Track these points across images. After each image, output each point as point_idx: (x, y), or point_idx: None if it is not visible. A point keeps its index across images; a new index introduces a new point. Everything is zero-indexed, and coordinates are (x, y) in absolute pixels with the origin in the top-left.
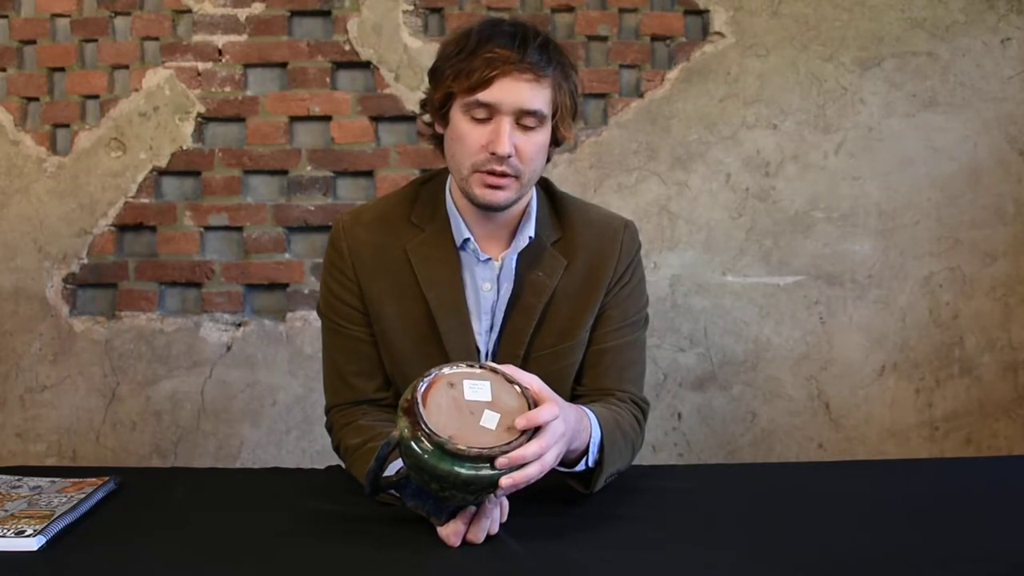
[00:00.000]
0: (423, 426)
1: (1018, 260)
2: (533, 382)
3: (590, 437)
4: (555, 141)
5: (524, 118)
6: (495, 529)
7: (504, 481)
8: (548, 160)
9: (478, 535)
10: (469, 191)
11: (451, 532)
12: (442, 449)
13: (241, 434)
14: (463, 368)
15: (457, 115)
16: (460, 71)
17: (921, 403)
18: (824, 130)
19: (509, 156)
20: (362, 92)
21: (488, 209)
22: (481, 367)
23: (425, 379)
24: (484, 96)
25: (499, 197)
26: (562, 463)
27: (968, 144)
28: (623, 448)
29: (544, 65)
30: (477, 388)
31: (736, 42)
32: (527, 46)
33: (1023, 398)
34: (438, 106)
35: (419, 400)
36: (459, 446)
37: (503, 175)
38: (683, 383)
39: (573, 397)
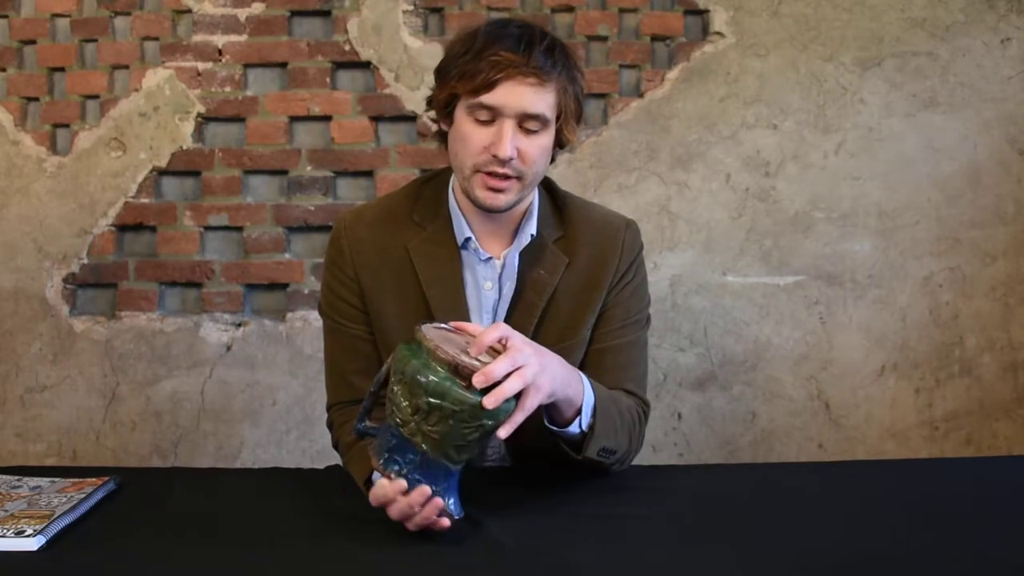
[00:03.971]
0: (422, 335)
1: (1018, 260)
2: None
3: (583, 397)
4: (559, 143)
5: (527, 121)
6: (429, 516)
7: (487, 401)
8: (552, 160)
9: (401, 511)
10: (471, 192)
11: (379, 494)
12: (431, 355)
13: (241, 434)
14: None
15: (461, 115)
16: (465, 72)
17: (921, 403)
18: (824, 130)
19: (511, 159)
20: (362, 92)
21: (489, 211)
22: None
23: (423, 325)
24: (487, 99)
25: (500, 200)
26: (555, 423)
27: (968, 144)
28: (618, 424)
29: (549, 69)
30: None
31: (736, 42)
32: (532, 50)
33: (1023, 398)
34: (443, 105)
35: (421, 329)
36: (445, 351)
37: (505, 177)
38: (683, 383)
39: None
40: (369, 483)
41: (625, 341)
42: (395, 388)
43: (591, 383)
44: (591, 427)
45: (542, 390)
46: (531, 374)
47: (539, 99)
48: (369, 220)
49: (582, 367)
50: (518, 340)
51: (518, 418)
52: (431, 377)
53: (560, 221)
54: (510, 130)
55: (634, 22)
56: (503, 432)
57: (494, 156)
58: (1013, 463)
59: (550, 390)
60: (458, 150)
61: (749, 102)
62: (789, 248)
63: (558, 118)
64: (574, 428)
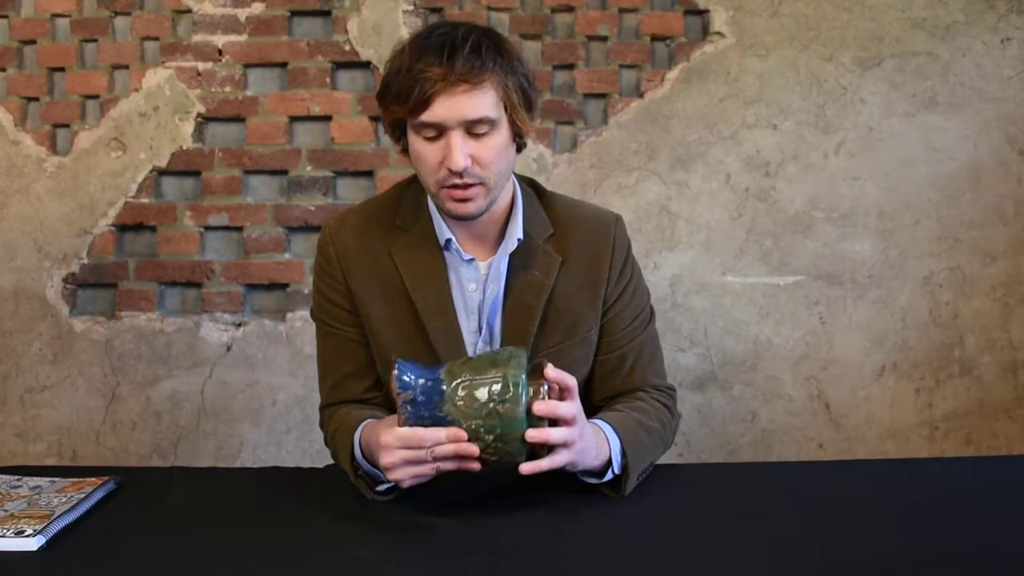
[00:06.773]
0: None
1: (1018, 260)
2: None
3: (610, 449)
4: (516, 134)
5: (473, 127)
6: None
7: (529, 434)
8: (520, 151)
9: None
10: (441, 206)
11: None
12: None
13: (241, 434)
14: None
15: (411, 135)
16: (399, 94)
17: (921, 403)
18: (824, 130)
19: (466, 168)
20: (362, 92)
21: (463, 220)
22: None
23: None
24: (426, 117)
25: (470, 208)
26: (590, 474)
27: (968, 144)
28: (649, 445)
29: (479, 70)
30: None
31: (736, 42)
32: (456, 57)
33: (1023, 398)
34: (392, 128)
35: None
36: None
37: (467, 186)
38: (683, 383)
39: (603, 399)
40: (355, 462)
41: (641, 339)
42: (485, 374)
43: (613, 428)
44: (624, 468)
45: (569, 460)
46: (576, 451)
47: (477, 103)
48: (353, 225)
49: (605, 372)
50: (579, 412)
51: (543, 465)
52: (519, 392)
53: (549, 220)
54: (458, 140)
55: (634, 22)
56: (525, 468)
57: (450, 170)
58: (1013, 463)
59: (578, 463)
60: (418, 169)
61: (749, 102)
62: (789, 248)
63: (506, 111)
64: (608, 475)
